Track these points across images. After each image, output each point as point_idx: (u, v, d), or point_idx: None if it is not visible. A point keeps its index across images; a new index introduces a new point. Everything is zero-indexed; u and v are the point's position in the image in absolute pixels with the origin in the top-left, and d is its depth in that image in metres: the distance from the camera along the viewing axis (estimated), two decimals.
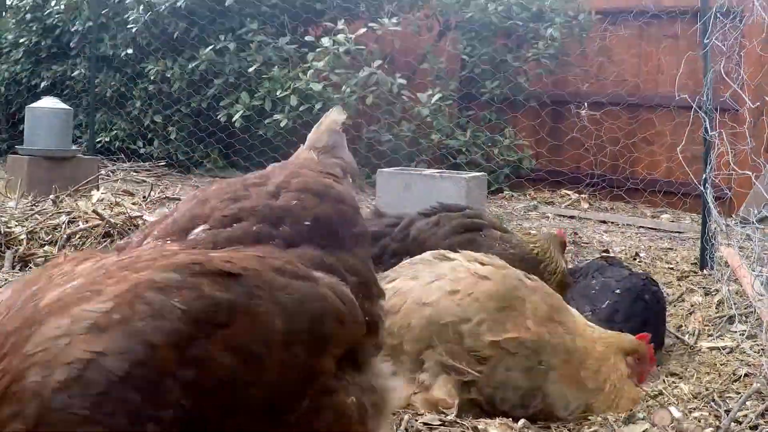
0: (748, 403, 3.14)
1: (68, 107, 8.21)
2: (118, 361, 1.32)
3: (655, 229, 7.87)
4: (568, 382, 3.06)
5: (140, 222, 4.93)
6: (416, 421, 2.91)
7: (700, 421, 3.00)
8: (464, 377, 2.99)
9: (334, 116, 2.24)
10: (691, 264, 5.87)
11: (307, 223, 1.83)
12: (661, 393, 3.41)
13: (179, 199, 6.10)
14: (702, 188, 5.58)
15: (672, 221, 8.39)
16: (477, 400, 3.03)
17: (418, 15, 10.40)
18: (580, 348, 3.12)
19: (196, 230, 1.75)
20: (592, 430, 2.95)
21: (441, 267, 3.17)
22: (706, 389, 3.40)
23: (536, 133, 10.10)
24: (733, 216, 6.84)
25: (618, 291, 3.88)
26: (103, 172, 9.10)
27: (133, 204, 5.62)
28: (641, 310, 3.83)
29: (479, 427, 2.90)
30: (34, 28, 12.24)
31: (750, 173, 4.83)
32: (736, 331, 4.15)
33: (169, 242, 1.72)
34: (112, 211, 5.17)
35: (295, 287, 1.62)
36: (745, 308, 4.41)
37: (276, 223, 1.80)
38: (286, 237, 1.78)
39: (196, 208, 1.82)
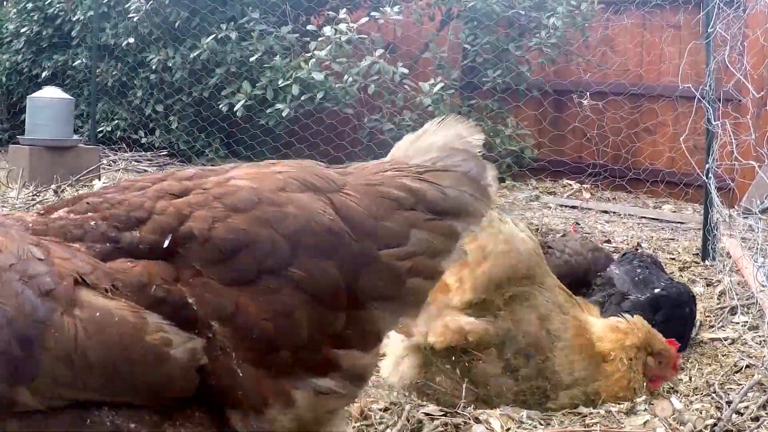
0: (749, 394, 3.14)
1: (69, 97, 8.20)
2: None
3: (657, 219, 7.86)
4: (577, 351, 3.11)
5: None
6: (417, 411, 2.92)
7: (701, 413, 3.00)
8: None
9: (463, 131, 1.72)
10: (693, 255, 5.86)
11: (175, 232, 1.44)
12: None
13: None
14: (704, 178, 5.57)
15: (674, 211, 8.38)
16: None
17: (420, 4, 10.35)
18: (592, 329, 3.20)
19: (60, 211, 1.54)
20: (594, 421, 2.95)
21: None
22: (708, 381, 3.40)
23: (538, 123, 10.07)
24: (736, 206, 6.83)
25: (658, 290, 3.87)
26: (104, 161, 9.09)
27: None
28: (679, 318, 3.85)
29: (480, 417, 2.91)
30: (35, 18, 12.20)
31: (753, 163, 4.83)
32: (737, 323, 4.15)
33: (35, 217, 1.54)
34: None
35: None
36: (747, 299, 4.40)
37: (128, 224, 1.46)
38: (130, 244, 1.44)
39: (96, 192, 1.61)
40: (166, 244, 1.43)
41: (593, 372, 3.14)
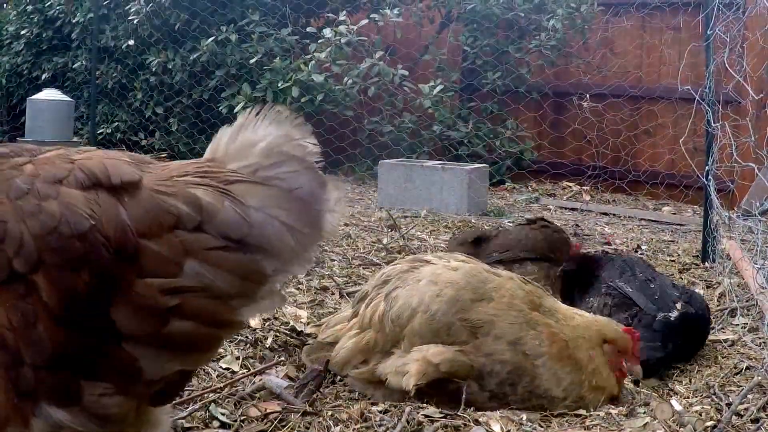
0: (749, 396, 3.14)
1: (69, 99, 8.21)
2: None
3: (657, 221, 7.85)
4: (558, 359, 3.07)
5: None
6: (417, 413, 2.92)
7: (701, 415, 3.00)
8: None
9: (294, 131, 1.41)
10: (693, 256, 5.86)
11: None
12: (658, 386, 3.41)
13: None
14: (704, 180, 5.57)
15: (674, 213, 8.38)
16: (468, 383, 3.04)
17: (420, 6, 10.37)
18: (567, 329, 3.16)
19: None
20: (594, 423, 2.95)
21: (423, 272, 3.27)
22: (708, 382, 3.40)
23: (538, 125, 10.07)
24: (735, 208, 6.83)
25: (681, 306, 3.75)
26: None
27: None
28: (704, 332, 3.82)
29: (480, 419, 2.91)
30: (35, 20, 12.21)
31: (753, 165, 4.82)
32: (737, 324, 4.14)
33: None
34: None
35: None
36: (747, 301, 4.40)
37: None
38: None
39: None
40: None
41: (577, 373, 3.11)
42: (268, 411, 2.85)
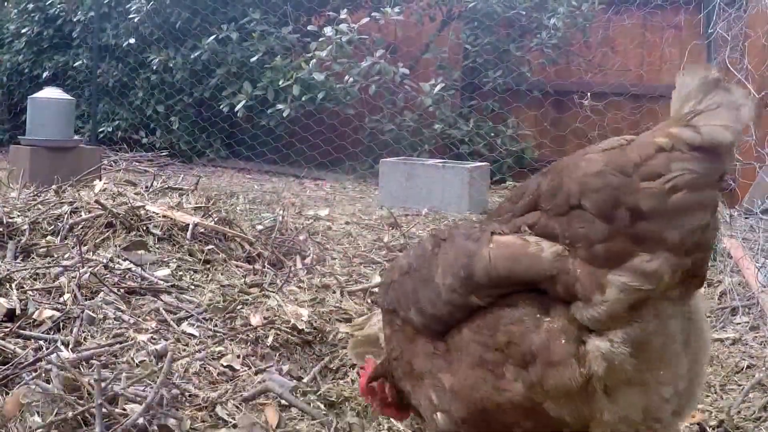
0: (750, 394, 3.14)
1: (70, 97, 8.20)
2: None
3: None
4: None
5: (142, 212, 4.92)
6: None
7: (702, 413, 3.00)
8: None
9: None
10: None
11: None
12: None
13: (182, 189, 6.11)
14: None
15: None
16: None
17: (420, 4, 10.37)
18: None
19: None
20: None
21: None
22: (708, 381, 3.40)
23: (539, 123, 10.07)
24: (737, 207, 6.82)
25: None
26: (105, 162, 9.09)
27: (136, 194, 5.60)
28: None
29: None
30: (36, 18, 12.22)
31: (754, 164, 4.82)
32: (738, 323, 4.14)
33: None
34: (114, 201, 5.15)
35: None
36: (748, 300, 4.40)
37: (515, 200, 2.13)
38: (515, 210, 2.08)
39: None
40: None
41: None
42: (270, 410, 2.85)
